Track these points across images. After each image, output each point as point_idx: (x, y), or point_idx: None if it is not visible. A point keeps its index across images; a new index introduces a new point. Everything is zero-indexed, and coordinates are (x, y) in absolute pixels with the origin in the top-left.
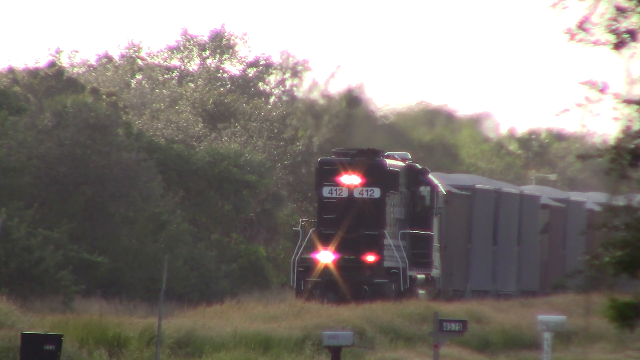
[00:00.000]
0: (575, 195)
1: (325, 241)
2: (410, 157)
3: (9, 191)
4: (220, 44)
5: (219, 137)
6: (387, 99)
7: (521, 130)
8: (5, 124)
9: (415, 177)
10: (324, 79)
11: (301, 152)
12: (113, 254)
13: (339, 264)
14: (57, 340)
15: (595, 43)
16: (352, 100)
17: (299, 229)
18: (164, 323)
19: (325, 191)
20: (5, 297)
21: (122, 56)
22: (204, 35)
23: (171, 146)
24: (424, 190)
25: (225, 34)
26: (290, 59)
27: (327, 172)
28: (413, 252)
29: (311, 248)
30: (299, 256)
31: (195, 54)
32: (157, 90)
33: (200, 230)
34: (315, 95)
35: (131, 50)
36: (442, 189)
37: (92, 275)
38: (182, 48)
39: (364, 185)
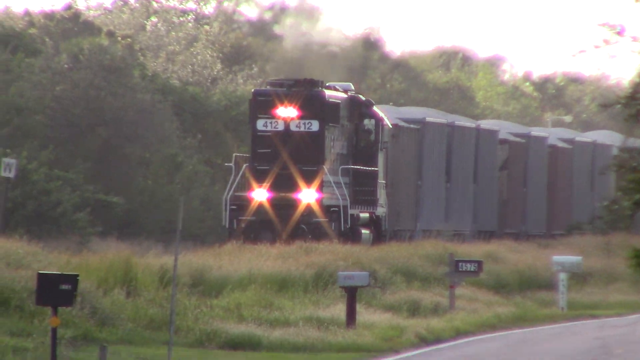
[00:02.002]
0: (536, 130)
1: (260, 178)
2: (353, 87)
3: (24, 132)
4: None
5: (234, 79)
6: (403, 42)
7: (537, 73)
8: (21, 66)
9: (358, 109)
10: (339, 22)
11: None
12: (129, 195)
13: (273, 202)
14: (73, 279)
15: None
16: (368, 43)
17: (231, 164)
18: (179, 263)
19: (260, 124)
20: (23, 238)
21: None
22: None
23: (186, 88)
24: (368, 123)
25: None
26: (305, 3)
27: (262, 104)
28: (356, 190)
29: (245, 185)
30: (231, 193)
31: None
32: (173, 33)
33: (216, 172)
34: (331, 38)
35: None
36: (387, 122)
37: (108, 217)
38: None
39: (301, 117)
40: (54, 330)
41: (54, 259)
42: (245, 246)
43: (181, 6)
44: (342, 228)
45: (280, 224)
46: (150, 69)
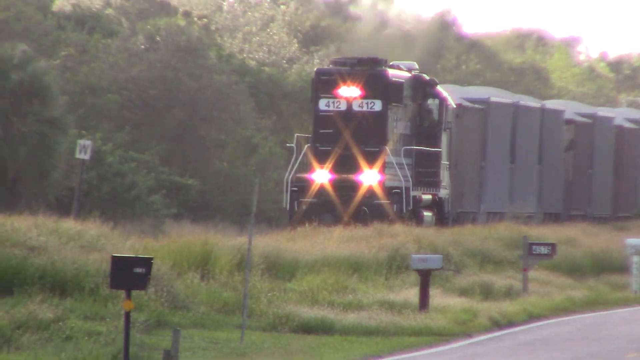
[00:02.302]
0: (603, 111)
1: (322, 159)
2: (417, 67)
3: (98, 114)
4: None
5: (311, 60)
6: (479, 23)
7: (612, 53)
8: (98, 47)
9: (422, 89)
10: (414, 3)
11: None
12: (204, 177)
13: (335, 183)
14: (147, 263)
15: None
16: (443, 23)
17: (292, 145)
18: (253, 246)
19: (322, 104)
20: (96, 220)
21: None
22: None
23: (262, 69)
24: (431, 103)
25: None
26: None
27: (325, 84)
28: (419, 171)
29: (306, 166)
30: (292, 175)
31: None
32: (249, 13)
33: (291, 154)
34: (406, 19)
35: None
36: (452, 102)
37: (183, 199)
38: None
39: (364, 97)
40: (127, 314)
41: (129, 242)
42: (320, 228)
43: None
44: (404, 210)
45: (342, 206)
46: (227, 50)
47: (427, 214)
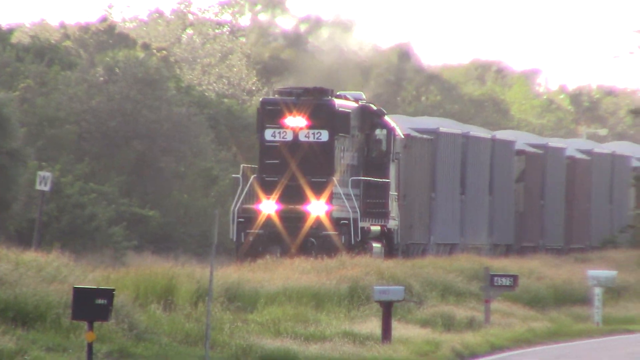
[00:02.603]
0: (554, 141)
1: (268, 189)
2: (364, 97)
3: (58, 144)
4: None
5: (270, 92)
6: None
7: (572, 85)
8: (57, 79)
9: (370, 119)
10: (373, 34)
11: None
12: (164, 209)
13: (282, 214)
14: (108, 294)
15: None
16: (402, 54)
17: (238, 176)
18: (214, 276)
19: (268, 134)
20: (57, 252)
21: (173, 11)
22: None
23: (222, 101)
24: (379, 133)
25: None
26: (340, 16)
27: (270, 114)
28: (367, 202)
29: (253, 197)
30: (239, 206)
31: (247, 9)
32: (208, 45)
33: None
34: (365, 50)
35: (182, 5)
36: (400, 132)
37: (144, 230)
38: (233, 3)
39: (310, 127)
40: (90, 345)
41: (91, 275)
42: (280, 260)
43: (216, 18)
44: (352, 241)
45: (289, 237)
46: (186, 82)
47: (375, 245)
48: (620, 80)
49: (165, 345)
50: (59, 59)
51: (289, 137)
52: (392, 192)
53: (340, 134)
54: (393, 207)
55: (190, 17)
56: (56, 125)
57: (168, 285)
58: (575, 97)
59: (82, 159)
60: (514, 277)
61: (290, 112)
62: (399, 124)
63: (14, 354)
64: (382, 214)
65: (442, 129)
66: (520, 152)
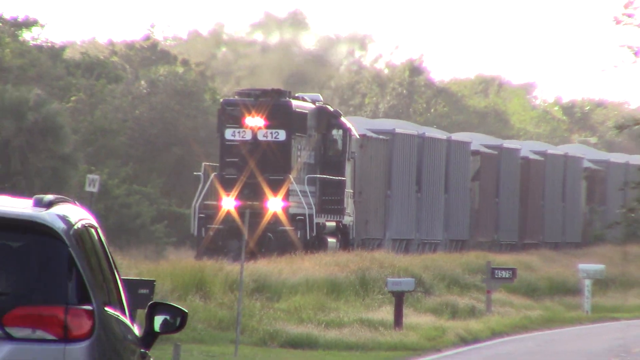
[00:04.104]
0: (509, 143)
1: (228, 186)
2: (321, 98)
3: (107, 151)
4: (296, 20)
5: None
6: (446, 69)
7: (566, 98)
8: (104, 91)
9: (326, 119)
10: (388, 50)
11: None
12: None
13: (241, 209)
14: (150, 284)
15: (639, 25)
16: (414, 70)
17: (200, 173)
18: (244, 269)
19: (228, 133)
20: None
21: (210, 31)
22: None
23: None
24: (336, 133)
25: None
26: (357, 34)
27: (230, 114)
28: (323, 199)
29: (214, 194)
30: (200, 202)
31: (274, 28)
32: (240, 61)
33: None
34: (381, 65)
35: (217, 26)
36: (355, 132)
37: (182, 227)
38: (262, 24)
39: (268, 127)
40: None
41: (135, 267)
42: (302, 255)
43: (248, 37)
44: (308, 236)
45: (247, 232)
46: (220, 93)
47: (331, 240)
48: (609, 93)
49: (201, 331)
50: (106, 74)
51: (248, 136)
52: (348, 190)
53: (297, 134)
54: (349, 204)
55: (225, 36)
56: (108, 136)
57: (201, 278)
58: (568, 109)
59: (127, 163)
60: (513, 270)
61: (249, 112)
62: (356, 125)
63: None
64: (337, 210)
65: (398, 130)
66: (475, 153)
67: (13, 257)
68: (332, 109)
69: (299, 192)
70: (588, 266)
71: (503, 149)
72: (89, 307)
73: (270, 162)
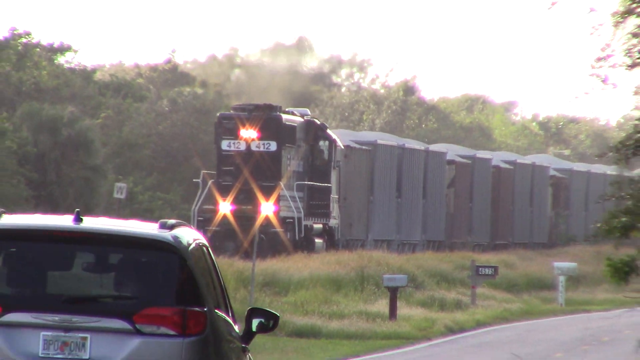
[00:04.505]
0: (481, 153)
1: (224, 192)
2: (309, 113)
3: (133, 162)
4: (303, 46)
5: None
6: (436, 88)
7: (542, 114)
8: (130, 109)
9: (314, 132)
10: (384, 72)
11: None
12: None
13: (236, 214)
14: None
15: (613, 66)
16: (407, 89)
17: (199, 180)
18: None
19: (224, 144)
20: None
21: (225, 55)
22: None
23: None
24: (322, 144)
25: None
26: (357, 57)
27: (226, 127)
28: (311, 203)
29: (212, 199)
30: (199, 206)
31: (282, 52)
32: (252, 82)
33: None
34: (377, 86)
35: (231, 51)
36: (340, 143)
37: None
38: (271, 48)
39: (260, 138)
40: None
41: None
42: (306, 254)
43: (259, 61)
44: (297, 237)
45: (242, 234)
46: None
47: (318, 240)
48: (580, 110)
49: None
50: (132, 94)
51: (243, 147)
52: (334, 195)
53: (287, 145)
54: (334, 208)
55: (238, 59)
56: (133, 148)
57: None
58: (545, 124)
59: (151, 173)
60: (495, 268)
61: (244, 125)
62: (341, 137)
63: None
64: (324, 214)
65: (379, 141)
66: (451, 162)
67: (143, 268)
68: (319, 122)
69: (288, 198)
70: (562, 264)
71: (476, 159)
72: (202, 309)
73: (263, 171)
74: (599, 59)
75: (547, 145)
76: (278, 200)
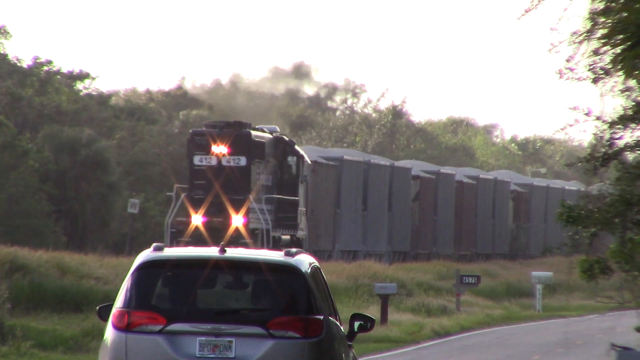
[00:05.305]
0: (445, 169)
1: (196, 205)
2: (278, 130)
3: (145, 180)
4: (300, 73)
5: (299, 141)
6: (423, 111)
7: (521, 136)
8: (143, 131)
9: (282, 147)
10: (375, 97)
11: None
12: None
13: (207, 225)
14: None
15: (579, 79)
16: (397, 113)
17: (172, 194)
18: None
19: (196, 159)
20: None
21: (229, 80)
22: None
23: None
24: (290, 160)
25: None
26: (351, 83)
27: (198, 143)
28: (279, 216)
29: (184, 211)
30: (172, 219)
31: (281, 79)
32: (254, 106)
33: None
34: (369, 110)
35: (234, 77)
36: (307, 159)
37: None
38: (272, 76)
39: (231, 154)
40: None
41: None
42: None
43: (260, 87)
44: (265, 248)
45: (213, 245)
46: None
47: None
48: (556, 133)
49: None
50: (145, 117)
51: (214, 162)
52: (301, 208)
53: (257, 160)
54: (302, 220)
55: (241, 85)
56: (145, 167)
57: None
58: (523, 145)
59: (162, 190)
60: (478, 277)
61: (215, 141)
62: (309, 153)
63: None
64: (292, 226)
65: (346, 157)
66: (415, 177)
67: (273, 286)
68: (287, 139)
69: (257, 210)
70: (539, 273)
71: (440, 174)
72: (320, 317)
73: (233, 184)
74: (562, 73)
75: (525, 165)
76: (247, 212)
